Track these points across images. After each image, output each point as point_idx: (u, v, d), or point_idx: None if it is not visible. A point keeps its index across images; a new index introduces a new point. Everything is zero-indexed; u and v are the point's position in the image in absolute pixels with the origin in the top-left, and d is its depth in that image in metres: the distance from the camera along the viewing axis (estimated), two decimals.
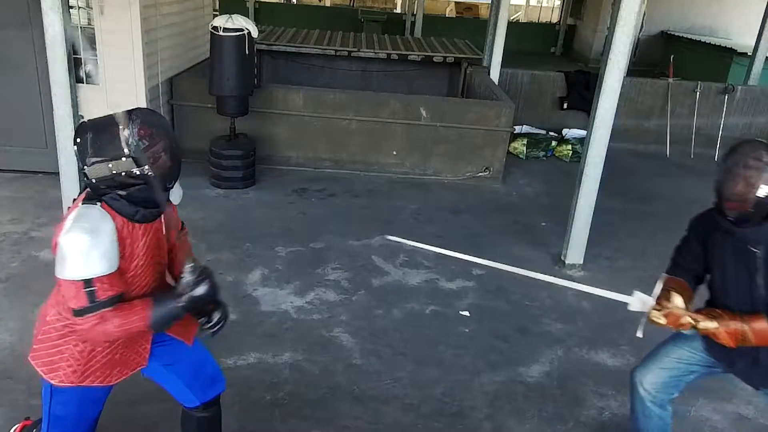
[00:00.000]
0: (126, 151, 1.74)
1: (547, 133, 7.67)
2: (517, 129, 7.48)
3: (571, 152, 7.23)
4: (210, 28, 5.10)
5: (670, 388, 2.44)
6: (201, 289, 1.87)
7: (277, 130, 6.01)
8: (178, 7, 6.00)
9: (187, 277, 1.86)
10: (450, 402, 3.10)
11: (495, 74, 7.69)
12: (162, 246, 2.01)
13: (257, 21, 11.00)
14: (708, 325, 2.00)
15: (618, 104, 4.20)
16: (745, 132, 8.18)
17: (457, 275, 4.32)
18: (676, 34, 13.73)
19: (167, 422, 2.79)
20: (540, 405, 3.13)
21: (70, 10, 4.61)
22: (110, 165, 1.75)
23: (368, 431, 2.88)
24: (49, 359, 1.95)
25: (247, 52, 5.08)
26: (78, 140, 1.77)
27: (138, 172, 1.76)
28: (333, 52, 8.27)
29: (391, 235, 2.38)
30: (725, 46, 11.41)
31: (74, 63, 4.30)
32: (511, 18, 14.28)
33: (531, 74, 8.23)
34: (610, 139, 4.27)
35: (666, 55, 11.90)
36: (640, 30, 13.63)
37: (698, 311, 2.10)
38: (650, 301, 2.04)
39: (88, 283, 1.75)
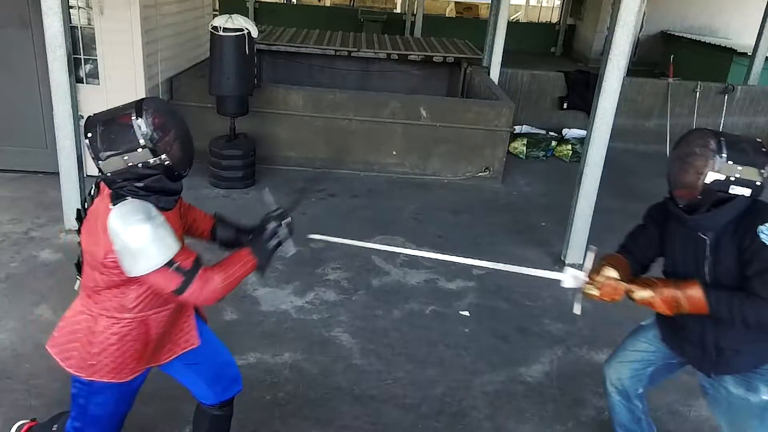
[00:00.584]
0: (141, 141, 1.73)
1: (547, 133, 7.67)
2: (517, 129, 7.48)
3: (571, 152, 7.24)
4: (210, 28, 5.10)
5: (633, 381, 2.46)
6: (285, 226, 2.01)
7: (276, 130, 6.01)
8: (178, 7, 6.01)
9: (273, 216, 2.01)
10: (450, 402, 3.10)
11: (495, 74, 7.69)
12: (178, 228, 2.02)
13: (257, 21, 11.00)
14: (643, 294, 2.01)
15: (618, 104, 4.20)
16: (745, 132, 8.17)
17: (457, 275, 4.32)
18: (676, 33, 13.72)
19: (167, 422, 2.80)
20: (540, 405, 3.13)
21: (70, 10, 4.62)
22: (125, 157, 1.73)
23: (368, 431, 2.88)
24: (88, 362, 1.94)
25: (247, 52, 5.08)
26: (89, 135, 1.75)
27: (154, 162, 1.75)
28: (333, 52, 8.27)
29: (317, 234, 2.37)
30: (725, 46, 11.40)
31: (74, 63, 4.31)
32: (511, 18, 14.28)
33: (531, 74, 8.22)
34: (610, 139, 4.27)
35: (666, 55, 11.89)
36: (640, 30, 13.62)
37: (632, 281, 2.10)
38: (582, 275, 2.04)
39: (170, 263, 1.76)
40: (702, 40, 12.42)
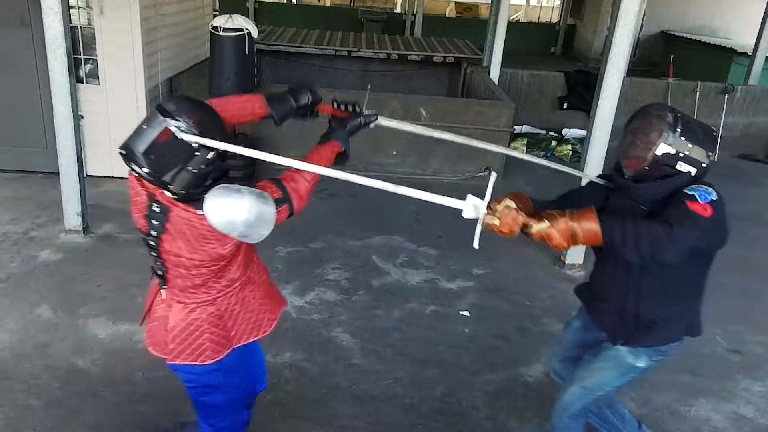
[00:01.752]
0: (194, 146, 1.72)
1: (547, 133, 7.67)
2: (517, 129, 7.47)
3: (571, 152, 7.23)
4: (210, 28, 5.10)
5: (568, 366, 2.52)
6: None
7: (277, 130, 5.97)
8: (178, 7, 6.00)
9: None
10: (450, 402, 3.10)
11: (495, 74, 7.69)
12: None
13: (257, 21, 10.99)
14: (540, 226, 1.95)
15: (618, 104, 4.20)
16: (745, 132, 8.18)
17: (457, 275, 4.32)
18: (676, 33, 13.72)
19: (167, 422, 2.80)
20: (540, 405, 3.13)
21: (70, 10, 4.62)
22: (189, 168, 1.73)
23: (368, 431, 2.88)
24: (227, 336, 2.02)
25: (247, 52, 5.08)
26: (146, 170, 1.71)
27: (212, 156, 1.76)
28: (333, 52, 8.27)
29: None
30: (725, 46, 11.40)
31: (74, 63, 4.31)
32: (511, 18, 14.27)
33: (531, 74, 8.22)
34: (610, 139, 4.27)
35: (666, 55, 11.89)
36: (640, 30, 13.62)
37: (530, 216, 2.05)
38: (482, 204, 1.98)
39: (280, 202, 1.85)
40: (702, 40, 12.42)
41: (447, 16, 18.81)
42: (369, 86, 2.26)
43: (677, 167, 1.97)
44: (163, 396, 2.95)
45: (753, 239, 5.52)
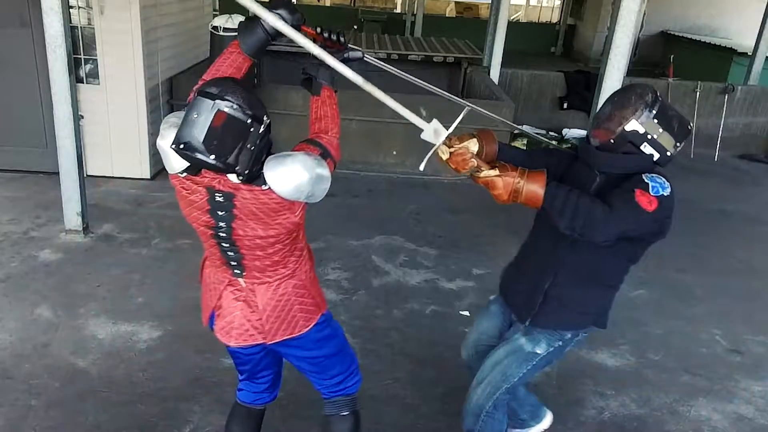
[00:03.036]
0: (248, 120, 1.71)
1: (547, 133, 7.67)
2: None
3: None
4: (210, 27, 5.10)
5: (480, 353, 2.51)
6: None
7: (277, 130, 5.89)
8: (178, 7, 6.00)
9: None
10: (450, 402, 3.09)
11: (495, 74, 7.69)
12: None
13: None
14: (489, 172, 1.93)
15: None
16: (745, 132, 8.19)
17: (457, 275, 4.32)
18: (676, 33, 13.73)
19: (167, 422, 2.80)
20: None
21: (70, 10, 4.62)
22: (248, 145, 1.71)
23: (368, 431, 2.88)
24: (317, 304, 2.10)
25: None
26: (214, 157, 1.67)
27: (264, 128, 1.77)
28: None
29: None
30: (725, 46, 11.41)
31: (74, 63, 4.31)
32: (511, 18, 14.26)
33: (531, 74, 8.22)
34: None
35: (666, 55, 11.89)
36: (640, 30, 13.62)
37: (489, 160, 2.06)
38: (443, 132, 1.95)
39: (324, 157, 1.89)
40: (702, 40, 12.43)
41: (447, 16, 18.82)
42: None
43: (641, 147, 1.97)
44: (163, 396, 2.96)
45: (753, 239, 5.52)
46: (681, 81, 8.23)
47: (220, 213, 1.83)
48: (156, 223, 4.68)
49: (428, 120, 1.97)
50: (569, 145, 7.28)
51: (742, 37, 11.96)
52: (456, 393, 3.14)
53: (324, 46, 1.98)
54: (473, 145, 2.08)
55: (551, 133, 7.65)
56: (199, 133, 1.64)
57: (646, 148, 1.97)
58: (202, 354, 3.27)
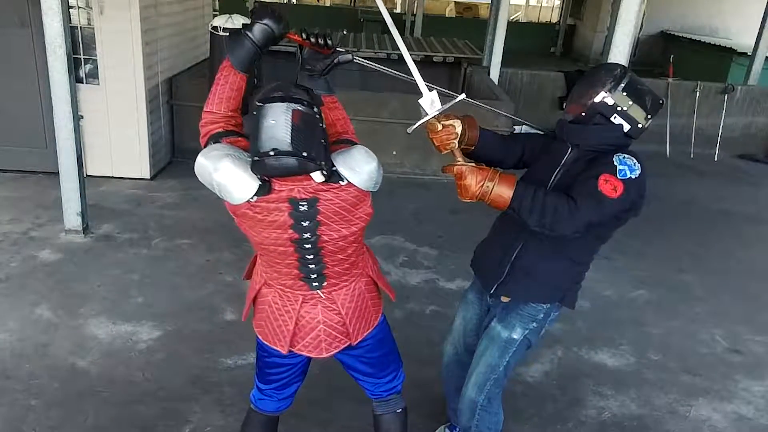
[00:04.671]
0: (317, 115, 1.71)
1: (547, 132, 7.66)
2: (517, 129, 7.46)
3: None
4: (210, 27, 5.09)
5: (469, 345, 2.57)
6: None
7: None
8: (178, 7, 6.00)
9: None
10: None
11: (495, 74, 7.69)
12: None
13: None
14: (463, 165, 1.99)
15: None
16: (745, 132, 8.18)
17: (457, 275, 4.31)
18: (676, 33, 13.73)
19: (167, 422, 2.80)
20: (540, 405, 3.13)
21: (70, 10, 4.62)
22: (322, 140, 1.72)
23: (368, 431, 2.88)
24: (362, 318, 2.08)
25: None
26: (312, 158, 1.65)
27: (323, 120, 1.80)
28: None
29: None
30: (725, 46, 11.41)
31: (74, 63, 4.31)
32: (511, 18, 14.28)
33: (531, 74, 8.22)
34: None
35: (666, 55, 11.88)
36: (640, 30, 13.63)
37: (469, 144, 2.19)
38: (438, 105, 2.02)
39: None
40: (702, 40, 12.42)
41: (447, 16, 18.81)
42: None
43: (611, 119, 2.02)
44: (163, 396, 2.96)
45: (753, 239, 5.52)
46: (681, 81, 8.23)
47: (304, 224, 1.78)
48: (156, 223, 4.68)
49: (429, 89, 2.03)
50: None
51: (742, 37, 11.96)
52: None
53: (311, 57, 2.04)
54: (458, 126, 2.13)
55: (551, 133, 7.65)
56: (284, 135, 1.62)
57: (616, 119, 2.02)
58: (202, 354, 3.27)
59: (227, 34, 4.97)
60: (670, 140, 7.85)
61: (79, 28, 4.99)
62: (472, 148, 2.24)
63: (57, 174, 4.35)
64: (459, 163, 2.00)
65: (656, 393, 3.29)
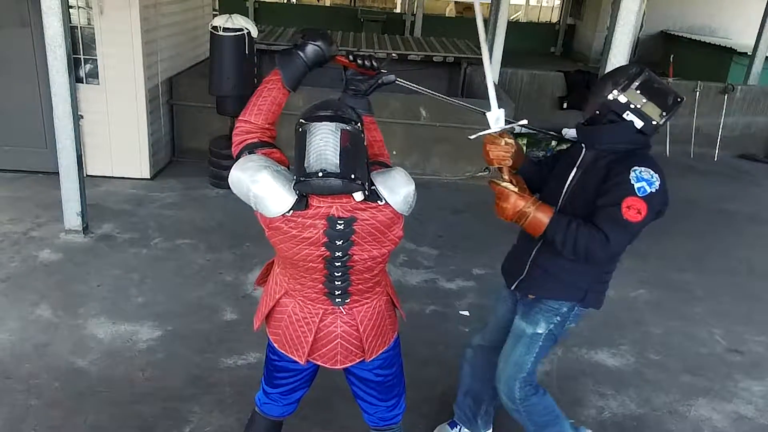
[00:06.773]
0: (361, 134, 1.74)
1: (547, 132, 7.65)
2: (517, 129, 7.46)
3: None
4: (210, 27, 5.09)
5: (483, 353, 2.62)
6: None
7: (277, 130, 5.99)
8: (178, 7, 6.00)
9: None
10: (450, 402, 3.09)
11: (495, 74, 7.69)
12: None
13: (257, 21, 10.99)
14: (509, 185, 2.07)
15: None
16: (745, 132, 8.18)
17: (457, 275, 4.31)
18: (676, 33, 13.73)
19: (167, 422, 2.80)
20: None
21: (70, 10, 4.62)
22: (364, 160, 1.75)
23: (368, 431, 2.87)
24: (379, 336, 2.11)
25: (246, 52, 5.08)
26: (360, 178, 1.67)
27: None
28: None
29: None
30: (725, 46, 11.41)
31: (74, 63, 4.31)
32: (511, 18, 14.28)
33: (531, 74, 8.22)
34: None
35: (666, 55, 11.89)
36: (640, 30, 13.63)
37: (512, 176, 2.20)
38: (502, 123, 2.15)
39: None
40: (702, 40, 12.42)
41: (447, 16, 18.81)
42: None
43: (624, 116, 2.04)
44: (163, 396, 2.96)
45: (753, 239, 5.52)
46: (681, 81, 8.23)
47: (338, 242, 1.77)
48: (156, 223, 4.68)
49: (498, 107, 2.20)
50: (569, 144, 7.29)
51: (742, 37, 11.96)
52: (456, 393, 3.14)
53: (356, 79, 2.12)
54: (515, 148, 2.21)
55: (551, 133, 7.64)
56: (333, 156, 1.64)
57: (629, 116, 2.04)
58: (202, 354, 3.27)
59: (227, 34, 4.97)
60: (671, 140, 7.85)
61: (79, 28, 4.99)
62: (514, 171, 2.28)
63: (57, 174, 4.34)
64: (505, 183, 2.08)
65: (656, 393, 3.29)
